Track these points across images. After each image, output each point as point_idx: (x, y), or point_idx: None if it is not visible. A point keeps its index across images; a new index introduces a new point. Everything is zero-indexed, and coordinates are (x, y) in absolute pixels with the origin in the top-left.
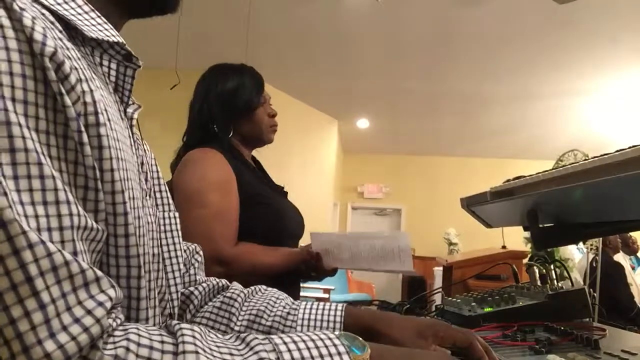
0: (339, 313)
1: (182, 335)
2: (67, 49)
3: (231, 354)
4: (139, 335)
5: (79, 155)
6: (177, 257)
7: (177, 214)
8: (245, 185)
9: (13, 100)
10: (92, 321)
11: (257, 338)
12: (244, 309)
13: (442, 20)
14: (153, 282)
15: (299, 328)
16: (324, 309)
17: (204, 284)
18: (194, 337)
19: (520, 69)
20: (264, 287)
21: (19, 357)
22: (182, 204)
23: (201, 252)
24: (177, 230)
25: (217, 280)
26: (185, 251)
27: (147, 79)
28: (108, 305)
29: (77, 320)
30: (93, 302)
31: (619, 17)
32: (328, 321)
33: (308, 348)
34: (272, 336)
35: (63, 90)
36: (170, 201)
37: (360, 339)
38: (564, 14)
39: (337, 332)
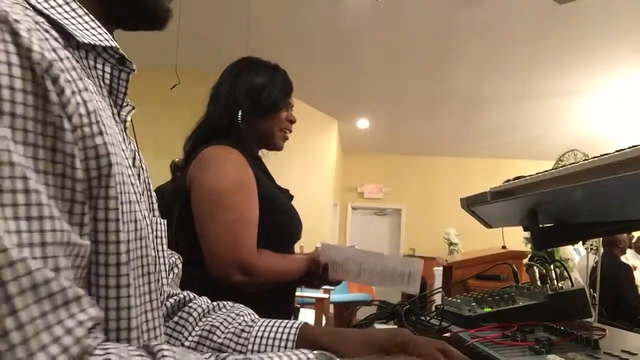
0: (293, 331)
1: (163, 356)
2: (61, 59)
3: None
4: (119, 355)
5: (67, 168)
6: (164, 264)
7: (164, 221)
8: (263, 188)
9: (0, 113)
10: (72, 341)
11: (237, 359)
12: (200, 324)
13: (442, 20)
14: (150, 286)
15: (250, 346)
16: (279, 327)
17: (172, 299)
18: (174, 358)
19: (521, 68)
20: (230, 303)
21: None
22: (204, 205)
23: (180, 265)
24: (164, 237)
25: (185, 294)
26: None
27: (147, 79)
28: (89, 324)
29: (56, 340)
30: (73, 321)
31: (619, 17)
32: (281, 339)
33: None
34: (251, 356)
35: (58, 101)
36: (156, 206)
37: (336, 358)
38: (564, 14)
39: (315, 352)
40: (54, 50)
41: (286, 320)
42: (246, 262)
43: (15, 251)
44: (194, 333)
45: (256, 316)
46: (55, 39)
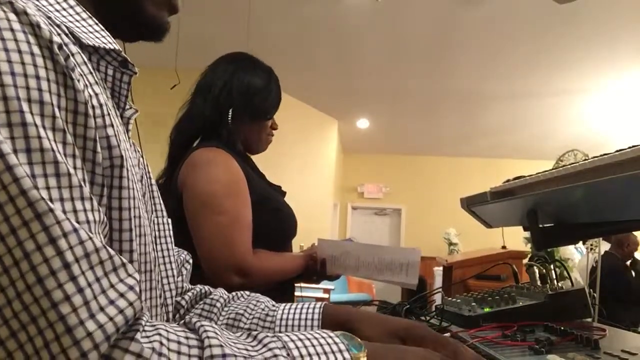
0: (317, 311)
1: (205, 330)
2: (73, 54)
3: (247, 349)
4: (167, 330)
5: (89, 152)
6: (170, 262)
7: (169, 220)
8: (255, 189)
9: (29, 101)
10: (126, 304)
11: (267, 336)
12: (224, 313)
13: (442, 20)
14: (150, 283)
15: (277, 329)
16: (302, 309)
17: (189, 293)
18: (215, 332)
19: (521, 68)
20: (247, 292)
21: (63, 338)
22: (197, 209)
23: (191, 261)
24: (170, 236)
25: (201, 287)
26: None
27: (147, 79)
28: (137, 288)
29: (112, 302)
30: (124, 285)
31: (619, 17)
32: (306, 319)
33: (313, 345)
34: (280, 334)
35: (79, 88)
36: (163, 207)
37: (358, 339)
38: (564, 14)
39: (337, 332)
40: (67, 45)
41: (307, 303)
42: (242, 264)
43: (68, 223)
44: (219, 322)
45: (274, 302)
46: (66, 35)
